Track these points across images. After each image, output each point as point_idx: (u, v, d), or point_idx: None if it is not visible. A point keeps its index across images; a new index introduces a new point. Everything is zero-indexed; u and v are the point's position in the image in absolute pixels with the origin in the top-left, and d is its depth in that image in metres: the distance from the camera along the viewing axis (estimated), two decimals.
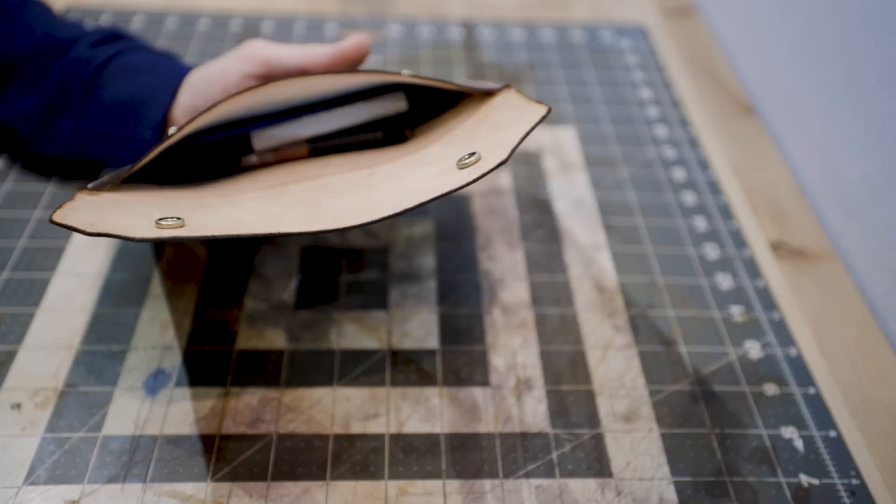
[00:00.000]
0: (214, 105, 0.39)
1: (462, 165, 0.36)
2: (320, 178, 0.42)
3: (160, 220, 0.34)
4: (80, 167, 0.51)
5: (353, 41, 0.44)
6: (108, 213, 0.35)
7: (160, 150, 0.39)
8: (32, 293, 0.44)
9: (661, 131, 0.59)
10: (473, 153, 0.37)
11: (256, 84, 0.43)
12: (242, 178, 0.43)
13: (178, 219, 0.34)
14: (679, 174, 0.56)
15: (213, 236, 0.32)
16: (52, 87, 0.47)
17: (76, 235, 0.48)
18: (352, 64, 0.45)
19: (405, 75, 0.42)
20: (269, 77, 0.44)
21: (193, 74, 0.46)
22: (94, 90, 0.46)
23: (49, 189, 0.50)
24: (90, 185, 0.38)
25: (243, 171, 0.44)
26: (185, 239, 0.32)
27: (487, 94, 0.43)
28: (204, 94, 0.45)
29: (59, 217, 0.33)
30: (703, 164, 0.57)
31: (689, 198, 0.54)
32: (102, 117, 0.46)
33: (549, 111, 0.37)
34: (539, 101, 0.39)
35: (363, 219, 0.34)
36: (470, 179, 0.34)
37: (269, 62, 0.43)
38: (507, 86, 0.42)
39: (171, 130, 0.40)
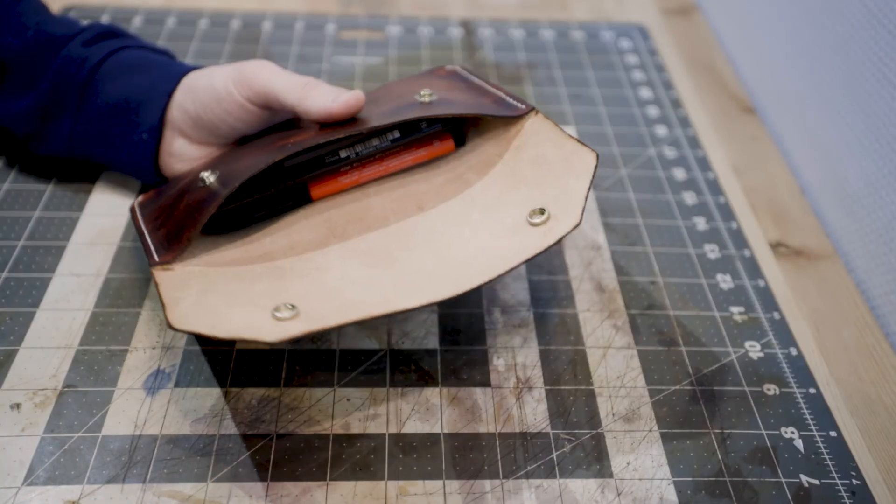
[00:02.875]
0: (251, 157, 0.41)
1: (533, 224, 0.39)
2: (367, 214, 0.43)
3: (274, 311, 0.35)
4: (79, 167, 0.51)
5: (347, 103, 0.42)
6: (212, 303, 0.36)
7: (213, 208, 0.39)
8: (32, 293, 0.44)
9: (661, 131, 0.59)
10: (543, 210, 0.39)
11: (254, 109, 0.44)
12: (293, 218, 0.43)
13: (292, 307, 0.35)
14: (679, 174, 0.56)
15: (337, 325, 0.34)
16: (47, 88, 0.46)
17: (76, 235, 0.48)
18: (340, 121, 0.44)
19: (426, 102, 0.44)
20: (265, 106, 0.44)
21: (192, 77, 0.46)
22: (90, 91, 0.46)
23: (49, 189, 0.50)
24: (149, 241, 0.41)
25: (283, 201, 0.44)
26: (313, 334, 0.35)
27: (513, 119, 0.44)
28: (202, 102, 0.44)
29: (178, 324, 0.34)
30: (703, 164, 0.57)
31: (689, 198, 0.54)
32: (99, 118, 0.46)
33: (598, 159, 0.40)
34: (580, 141, 0.41)
35: (460, 287, 0.36)
36: (550, 244, 0.37)
37: (266, 95, 0.43)
38: (534, 109, 0.43)
39: (206, 175, 0.41)
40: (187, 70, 0.47)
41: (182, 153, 0.46)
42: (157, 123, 0.45)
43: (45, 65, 0.46)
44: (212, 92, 0.44)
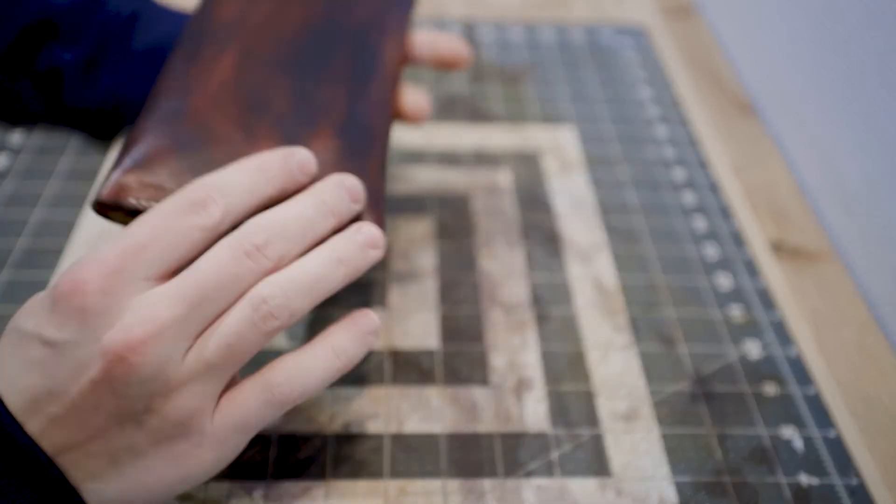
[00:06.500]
0: None
1: None
2: None
3: None
4: (80, 167, 0.51)
5: None
6: None
7: None
8: (32, 293, 0.44)
9: (661, 131, 0.59)
10: None
11: None
12: None
13: None
14: (679, 174, 0.56)
15: None
16: (92, 41, 0.50)
17: (76, 235, 0.48)
18: None
19: None
20: None
21: None
22: (129, 39, 0.50)
23: (49, 189, 0.50)
24: None
25: None
26: None
27: None
28: None
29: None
30: (703, 164, 0.57)
31: (689, 198, 0.54)
32: (136, 64, 0.49)
33: None
34: None
35: None
36: None
37: None
38: None
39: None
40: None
41: None
42: None
43: (91, 20, 0.50)
44: None
